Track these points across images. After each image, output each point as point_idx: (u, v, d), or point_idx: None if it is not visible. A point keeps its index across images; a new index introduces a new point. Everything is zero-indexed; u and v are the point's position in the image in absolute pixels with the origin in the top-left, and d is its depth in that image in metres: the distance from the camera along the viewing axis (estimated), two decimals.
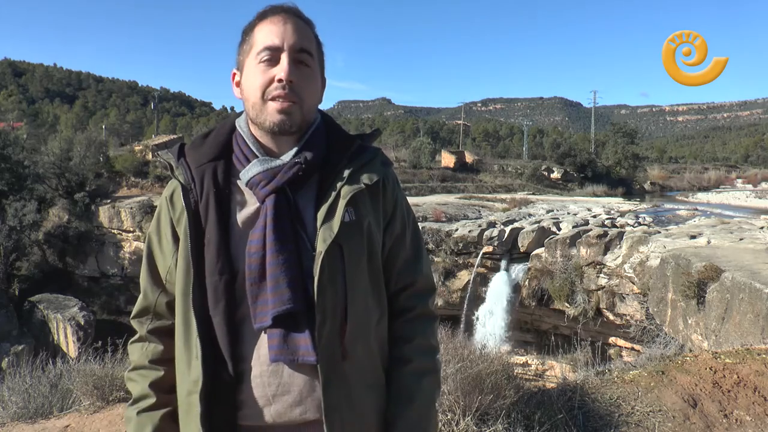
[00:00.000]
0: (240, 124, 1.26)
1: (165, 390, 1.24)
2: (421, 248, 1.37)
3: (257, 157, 1.20)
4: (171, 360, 1.24)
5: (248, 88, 1.19)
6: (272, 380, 1.14)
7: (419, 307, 1.32)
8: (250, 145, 1.21)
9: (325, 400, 1.13)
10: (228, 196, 1.20)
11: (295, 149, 1.21)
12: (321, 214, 1.16)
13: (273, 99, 1.15)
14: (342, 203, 1.16)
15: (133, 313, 1.31)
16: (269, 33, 1.16)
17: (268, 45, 1.15)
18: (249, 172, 1.18)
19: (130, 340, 1.31)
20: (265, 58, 1.16)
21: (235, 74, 1.25)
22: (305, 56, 1.18)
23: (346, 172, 1.20)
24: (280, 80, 1.14)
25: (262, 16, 1.20)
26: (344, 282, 1.16)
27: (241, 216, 1.19)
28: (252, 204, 1.20)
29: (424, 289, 1.35)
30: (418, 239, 1.37)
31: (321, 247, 1.13)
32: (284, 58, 1.15)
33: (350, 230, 1.17)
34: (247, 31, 1.21)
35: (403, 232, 1.32)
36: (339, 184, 1.18)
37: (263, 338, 1.15)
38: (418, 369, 1.27)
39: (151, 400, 1.23)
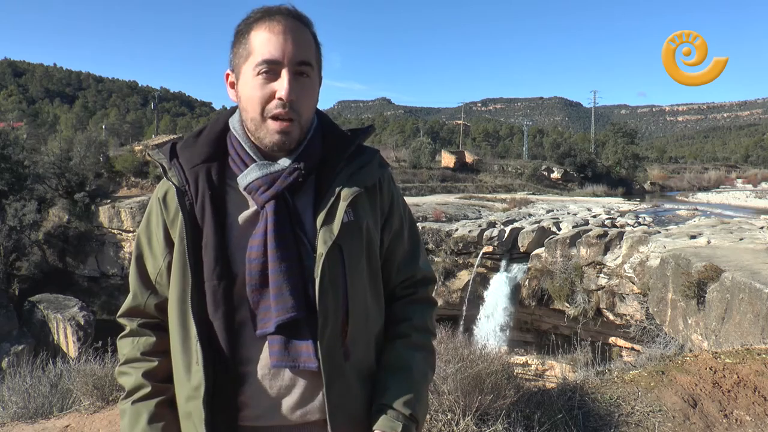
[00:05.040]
0: (234, 125, 1.22)
1: (160, 379, 1.21)
2: (419, 243, 1.39)
3: (254, 160, 1.18)
4: (164, 352, 1.22)
5: (246, 99, 1.15)
6: (274, 383, 1.14)
7: (419, 292, 1.34)
8: (247, 148, 1.19)
9: (328, 402, 1.13)
10: (223, 198, 1.18)
11: (293, 154, 1.18)
12: (321, 216, 1.15)
13: (273, 117, 1.13)
14: (342, 205, 1.15)
15: (121, 311, 1.28)
16: (268, 44, 1.11)
17: (268, 59, 1.11)
18: (247, 177, 1.16)
19: (120, 336, 1.27)
20: (264, 71, 1.11)
21: (228, 75, 1.20)
22: (305, 68, 1.14)
23: (345, 174, 1.19)
24: (280, 98, 1.11)
25: (259, 18, 1.14)
26: (345, 283, 1.16)
27: (238, 219, 1.17)
28: (249, 206, 1.18)
29: (424, 279, 1.37)
30: (415, 234, 1.38)
31: (321, 249, 1.13)
32: (285, 74, 1.11)
33: (349, 230, 1.17)
34: (243, 32, 1.15)
35: (401, 228, 1.32)
36: (338, 188, 1.17)
37: (264, 342, 1.14)
38: (414, 344, 1.27)
39: (146, 390, 1.20)
